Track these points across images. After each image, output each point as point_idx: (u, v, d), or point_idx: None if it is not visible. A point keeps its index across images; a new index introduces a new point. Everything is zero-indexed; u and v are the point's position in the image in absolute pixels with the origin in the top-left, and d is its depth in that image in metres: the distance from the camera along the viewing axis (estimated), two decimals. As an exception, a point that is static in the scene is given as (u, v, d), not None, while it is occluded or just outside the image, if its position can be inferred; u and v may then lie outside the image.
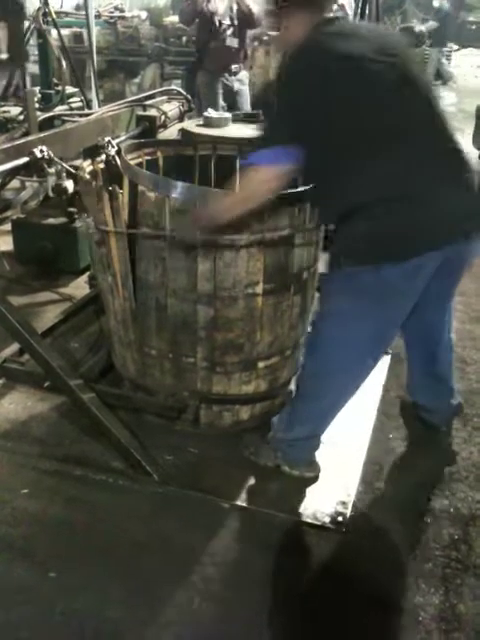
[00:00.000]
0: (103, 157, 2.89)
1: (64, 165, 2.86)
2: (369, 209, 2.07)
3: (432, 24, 6.38)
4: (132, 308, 2.52)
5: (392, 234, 2.07)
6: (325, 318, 2.30)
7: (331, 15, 2.24)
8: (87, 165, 2.67)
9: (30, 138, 2.91)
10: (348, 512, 2.37)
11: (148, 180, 2.33)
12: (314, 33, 2.09)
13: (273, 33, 2.39)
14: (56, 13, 5.26)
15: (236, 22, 5.68)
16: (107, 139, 2.98)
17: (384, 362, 3.27)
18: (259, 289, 2.43)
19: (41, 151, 2.75)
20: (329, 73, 2.00)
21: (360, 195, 2.07)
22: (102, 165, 2.81)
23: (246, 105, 5.95)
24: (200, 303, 2.42)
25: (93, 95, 5.67)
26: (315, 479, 2.52)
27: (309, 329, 2.58)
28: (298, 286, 2.54)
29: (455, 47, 14.67)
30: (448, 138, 2.17)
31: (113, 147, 2.97)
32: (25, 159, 2.78)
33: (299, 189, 2.31)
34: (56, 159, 2.82)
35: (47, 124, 3.52)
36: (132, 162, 2.61)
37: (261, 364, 2.61)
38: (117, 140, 3.18)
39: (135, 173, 2.40)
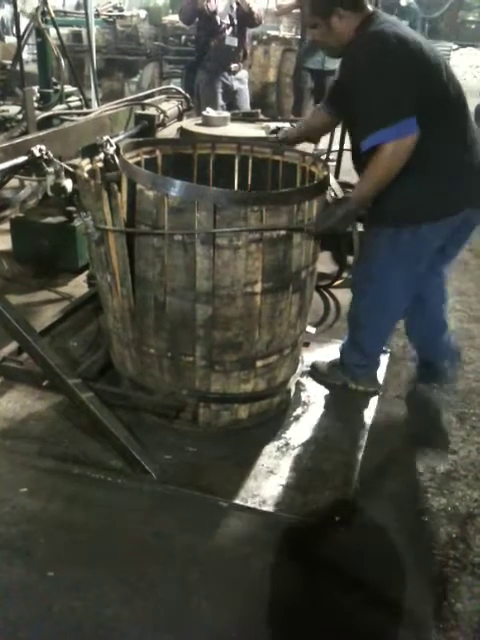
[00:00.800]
0: (102, 156, 2.89)
1: (62, 164, 2.86)
2: (422, 173, 2.46)
3: None
4: (131, 306, 2.53)
5: (434, 197, 2.53)
6: (376, 266, 2.72)
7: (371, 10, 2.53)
8: (86, 164, 2.67)
9: (29, 137, 2.91)
10: (346, 511, 2.38)
11: (146, 178, 2.33)
12: (375, 26, 2.43)
13: (316, 36, 2.59)
14: (55, 12, 5.25)
15: (236, 21, 5.68)
16: (105, 138, 2.98)
17: (382, 362, 3.28)
18: (258, 288, 2.43)
19: (40, 150, 2.75)
20: (413, 53, 2.38)
21: (421, 159, 2.40)
22: (101, 164, 2.81)
23: (245, 104, 5.95)
24: (199, 301, 2.42)
25: (92, 94, 5.67)
26: (375, 393, 3.04)
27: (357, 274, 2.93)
28: (297, 285, 2.54)
29: (454, 46, 14.66)
30: (472, 125, 2.61)
31: (111, 146, 2.97)
32: (24, 158, 2.78)
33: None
34: (54, 159, 2.82)
35: (46, 123, 3.52)
36: (130, 161, 2.61)
37: (259, 363, 2.61)
38: (116, 139, 3.18)
39: (133, 171, 2.40)
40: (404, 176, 2.42)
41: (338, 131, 4.63)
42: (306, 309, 2.73)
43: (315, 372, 3.16)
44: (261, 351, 2.58)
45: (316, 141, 3.32)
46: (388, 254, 2.66)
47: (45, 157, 2.77)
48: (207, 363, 2.55)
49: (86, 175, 2.56)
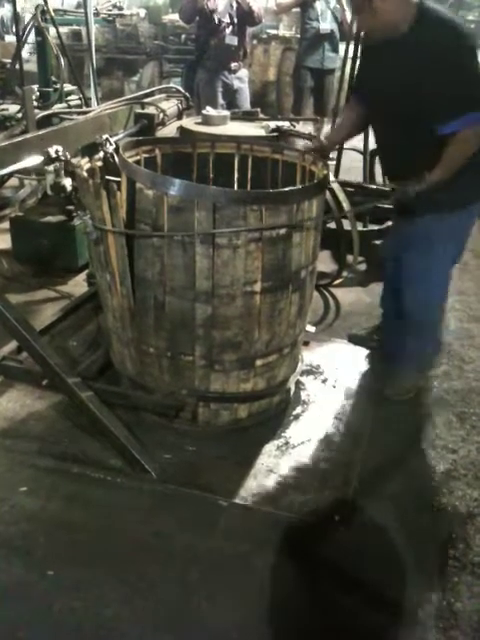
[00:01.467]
0: (101, 155, 2.88)
1: (72, 162, 2.84)
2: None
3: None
4: (130, 306, 2.52)
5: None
6: (424, 257, 2.77)
7: None
8: (85, 163, 2.67)
9: (28, 136, 2.90)
10: (346, 510, 2.38)
11: (145, 177, 2.33)
12: (435, 13, 2.46)
13: (362, 22, 2.60)
14: (55, 11, 5.25)
15: (236, 20, 5.68)
16: (105, 137, 2.97)
17: (382, 360, 3.28)
18: (257, 287, 2.43)
19: (56, 151, 2.74)
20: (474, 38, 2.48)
21: None
22: (100, 163, 2.80)
23: (246, 103, 5.95)
24: (198, 301, 2.42)
25: (92, 93, 5.66)
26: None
27: (405, 268, 2.89)
28: (296, 284, 2.54)
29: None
30: None
31: (111, 145, 2.96)
32: (40, 158, 2.77)
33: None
34: (70, 159, 2.80)
35: (45, 122, 3.51)
36: (130, 160, 2.61)
37: (259, 362, 2.61)
38: (115, 138, 3.17)
39: (133, 170, 2.39)
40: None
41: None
42: (306, 308, 2.73)
43: (388, 390, 3.08)
44: (260, 350, 2.58)
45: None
46: (445, 239, 2.74)
47: (61, 158, 2.76)
48: (206, 362, 2.54)
49: (85, 174, 2.56)
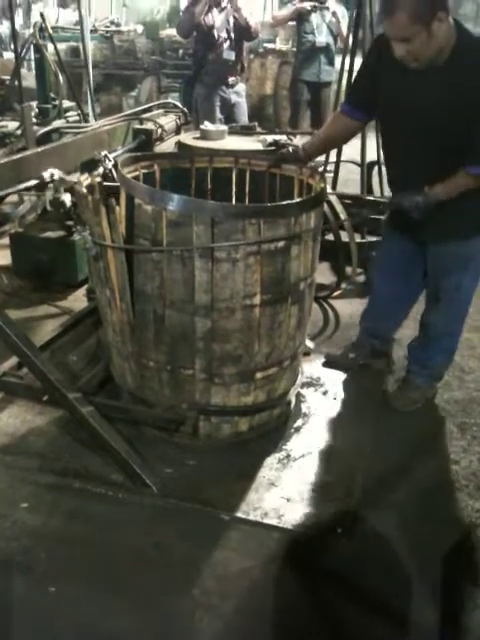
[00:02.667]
0: (100, 171, 2.90)
1: (67, 179, 2.86)
2: None
3: None
4: (130, 320, 2.53)
5: None
6: (469, 274, 2.81)
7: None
8: (84, 179, 2.69)
9: (27, 153, 2.93)
10: (348, 522, 2.37)
11: (144, 193, 2.35)
12: (466, 30, 2.40)
13: (414, 48, 2.34)
14: (53, 28, 5.28)
15: (233, 35, 5.72)
16: (103, 153, 2.99)
17: (383, 372, 3.28)
18: (256, 300, 2.44)
19: (51, 175, 2.76)
20: None
21: None
22: (99, 179, 2.82)
23: (243, 117, 5.99)
24: (198, 314, 2.42)
25: (89, 109, 5.69)
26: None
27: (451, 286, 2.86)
28: (295, 297, 2.55)
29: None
30: None
31: (110, 161, 2.98)
32: (34, 181, 2.79)
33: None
34: (66, 178, 2.82)
35: (44, 138, 3.54)
36: (129, 175, 2.62)
37: (259, 375, 2.61)
38: (114, 154, 3.19)
39: (131, 186, 2.41)
40: None
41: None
42: (305, 321, 2.73)
43: (406, 403, 3.09)
44: (260, 363, 2.58)
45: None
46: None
47: (55, 179, 2.77)
48: (207, 376, 2.55)
49: (85, 190, 2.57)
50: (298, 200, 2.62)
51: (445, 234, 2.71)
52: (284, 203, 2.41)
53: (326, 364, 3.34)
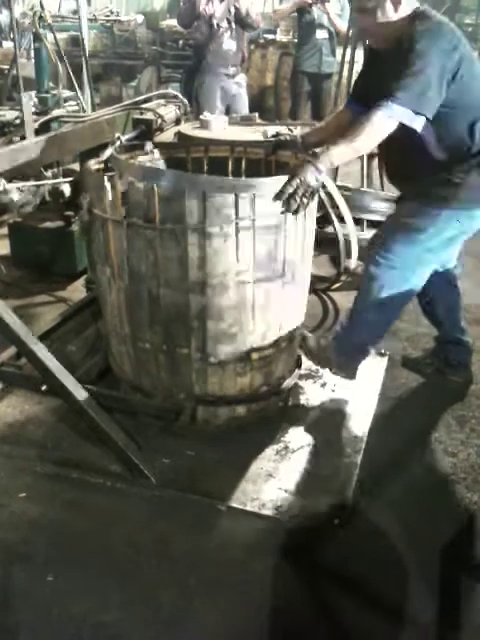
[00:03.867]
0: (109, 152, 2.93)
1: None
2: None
3: None
4: (128, 300, 2.54)
5: None
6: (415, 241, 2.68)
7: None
8: (94, 162, 2.70)
9: (26, 142, 2.91)
10: (346, 514, 2.38)
11: (137, 171, 2.38)
12: (425, 14, 2.46)
13: (366, 20, 2.51)
14: (52, 17, 5.25)
15: (234, 25, 5.69)
16: (117, 135, 3.01)
17: (381, 364, 3.28)
18: (249, 277, 2.45)
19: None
20: (461, 46, 2.42)
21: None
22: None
23: (244, 108, 5.96)
24: (192, 292, 2.44)
25: (88, 100, 5.66)
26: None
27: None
28: (290, 275, 2.55)
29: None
30: None
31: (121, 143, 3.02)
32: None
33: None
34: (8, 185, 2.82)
35: (43, 128, 3.52)
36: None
37: (255, 355, 2.62)
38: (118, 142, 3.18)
39: (125, 165, 2.46)
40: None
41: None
42: (301, 303, 2.74)
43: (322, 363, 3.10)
44: (256, 343, 2.59)
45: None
46: (433, 236, 2.68)
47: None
48: (202, 356, 2.56)
49: (94, 168, 2.61)
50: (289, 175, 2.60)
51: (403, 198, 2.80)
52: (276, 177, 2.41)
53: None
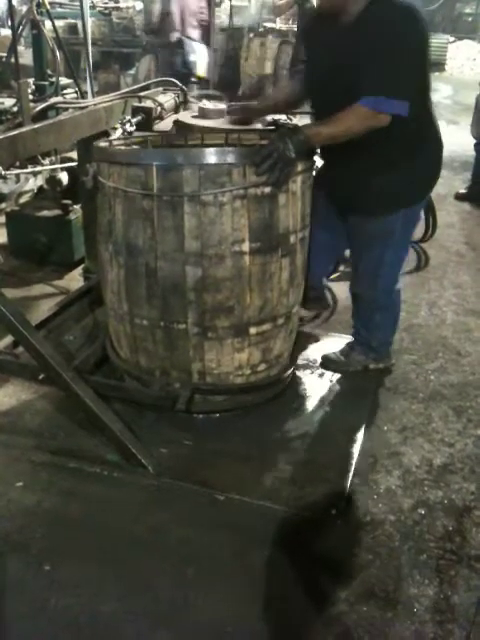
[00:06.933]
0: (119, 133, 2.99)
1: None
2: (424, 154, 2.65)
3: None
4: (126, 275, 2.56)
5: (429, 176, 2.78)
6: (392, 247, 2.80)
7: None
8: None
9: (23, 130, 2.88)
10: (343, 504, 2.38)
11: (131, 155, 2.44)
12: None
13: None
14: (50, 4, 5.21)
15: None
16: (127, 118, 3.13)
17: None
18: (245, 247, 2.46)
19: None
20: (426, 38, 2.51)
21: (423, 141, 2.64)
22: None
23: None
24: (188, 263, 2.45)
25: (88, 87, 5.63)
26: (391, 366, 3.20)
27: (373, 261, 2.88)
28: (286, 248, 2.56)
29: (451, 39, 14.61)
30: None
31: (132, 125, 3.07)
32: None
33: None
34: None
35: (41, 115, 3.49)
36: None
37: (253, 330, 2.62)
38: (118, 132, 3.18)
39: (115, 153, 2.50)
40: (412, 156, 2.60)
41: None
42: (299, 279, 2.75)
43: (330, 363, 3.19)
44: (253, 317, 2.59)
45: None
46: (402, 233, 2.78)
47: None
48: (200, 330, 2.56)
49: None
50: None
51: (359, 211, 2.76)
52: (266, 142, 2.43)
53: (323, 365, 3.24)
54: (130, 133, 3.01)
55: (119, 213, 2.49)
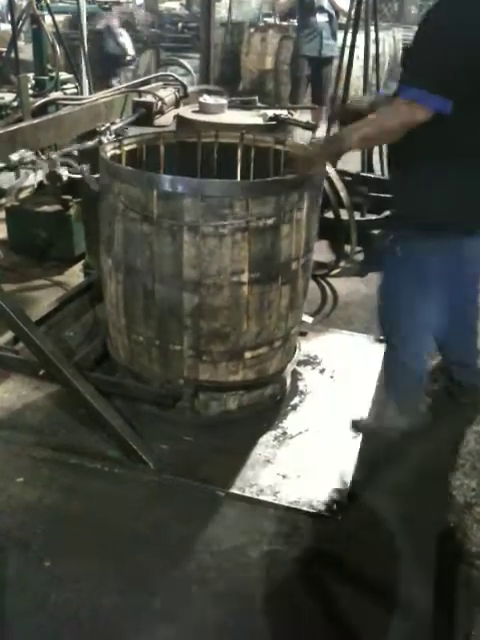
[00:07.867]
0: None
1: (42, 159, 2.82)
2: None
3: None
4: (124, 292, 2.53)
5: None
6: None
7: None
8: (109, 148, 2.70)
9: (23, 124, 2.88)
10: (343, 500, 2.37)
11: (132, 177, 2.36)
12: None
13: None
14: (50, -2, 5.21)
15: None
16: (106, 125, 2.97)
17: (379, 351, 3.27)
18: (244, 278, 2.42)
19: (20, 155, 2.72)
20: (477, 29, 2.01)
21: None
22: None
23: None
24: (186, 290, 2.42)
25: (85, 83, 5.62)
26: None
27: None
28: (287, 277, 2.53)
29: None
30: None
31: (111, 134, 2.97)
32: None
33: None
34: (36, 159, 2.80)
35: (41, 110, 3.49)
36: (132, 148, 2.69)
37: (248, 354, 2.60)
38: (115, 126, 3.15)
39: (117, 170, 2.42)
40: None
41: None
42: (299, 302, 2.71)
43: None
44: (249, 342, 2.57)
45: None
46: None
47: (26, 160, 2.74)
48: (195, 353, 2.54)
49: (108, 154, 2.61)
50: (288, 177, 2.57)
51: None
52: (271, 179, 2.38)
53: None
54: (119, 135, 2.93)
55: (119, 231, 2.46)
